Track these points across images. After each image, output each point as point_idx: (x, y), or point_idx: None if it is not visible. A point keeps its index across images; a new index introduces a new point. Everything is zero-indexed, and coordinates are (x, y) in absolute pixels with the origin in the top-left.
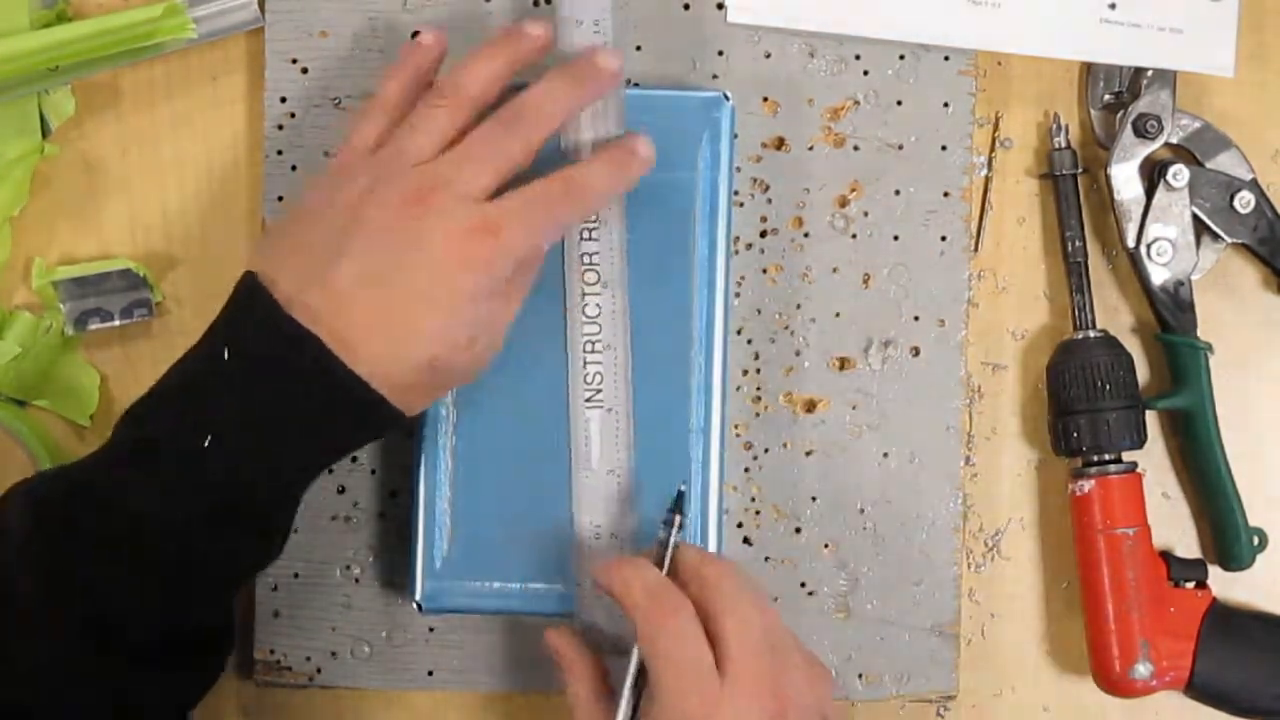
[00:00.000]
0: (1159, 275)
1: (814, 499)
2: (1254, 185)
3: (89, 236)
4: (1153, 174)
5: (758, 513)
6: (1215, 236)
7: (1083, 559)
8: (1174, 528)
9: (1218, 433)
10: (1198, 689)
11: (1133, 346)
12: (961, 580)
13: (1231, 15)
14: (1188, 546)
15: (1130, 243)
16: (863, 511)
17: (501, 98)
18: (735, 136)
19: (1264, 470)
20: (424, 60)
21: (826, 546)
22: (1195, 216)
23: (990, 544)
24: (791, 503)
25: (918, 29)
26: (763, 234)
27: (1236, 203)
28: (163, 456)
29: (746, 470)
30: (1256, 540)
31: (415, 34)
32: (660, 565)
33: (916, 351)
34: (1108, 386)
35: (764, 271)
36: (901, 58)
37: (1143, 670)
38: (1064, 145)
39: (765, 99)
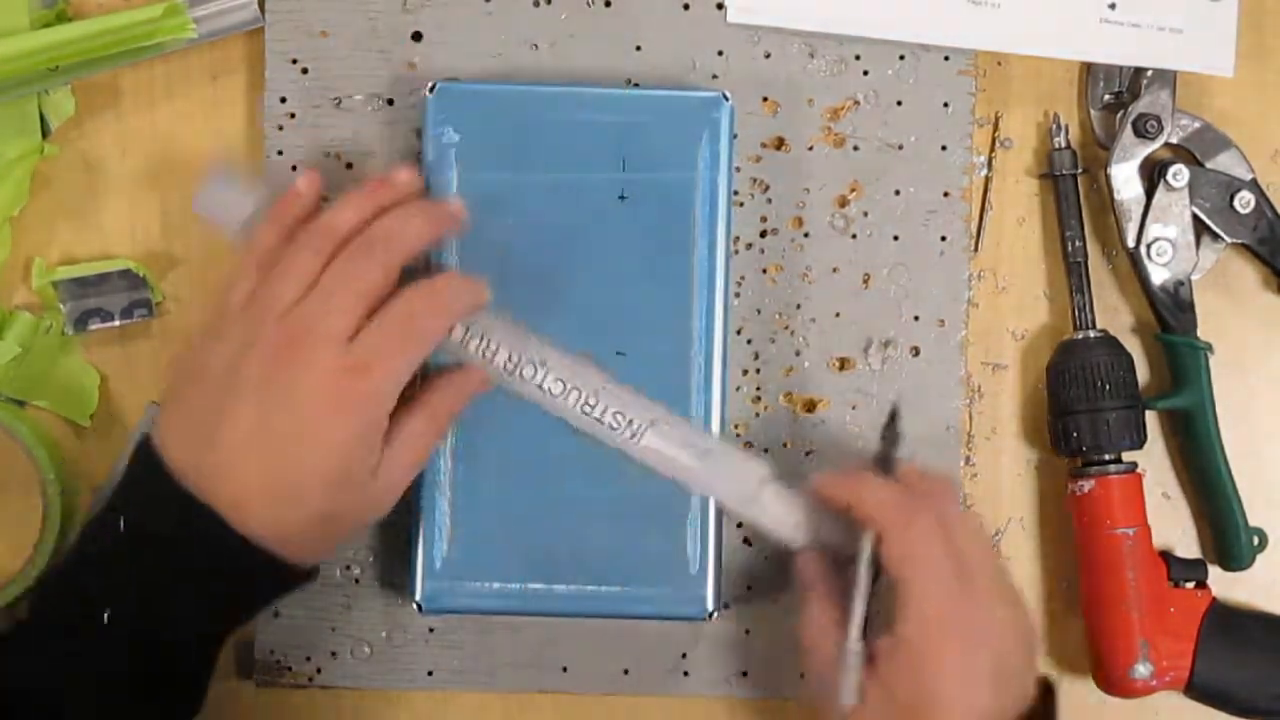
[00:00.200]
0: (1159, 275)
1: None
2: (1254, 185)
3: (89, 236)
4: (1153, 174)
5: None
6: (1215, 236)
7: (1083, 559)
8: (1174, 528)
9: (1218, 433)
10: (1198, 689)
11: (1133, 346)
12: None
13: (1231, 15)
14: (1188, 546)
15: (1130, 243)
16: None
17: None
18: (735, 136)
19: (1264, 470)
20: (299, 209)
21: None
22: (1195, 216)
23: (991, 544)
24: None
25: (918, 29)
26: (763, 234)
27: (1236, 203)
28: (63, 630)
29: None
30: (1256, 540)
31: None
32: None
33: (916, 351)
34: (1108, 386)
35: (764, 271)
36: (901, 58)
37: (1143, 670)
38: (1064, 145)
39: (765, 99)
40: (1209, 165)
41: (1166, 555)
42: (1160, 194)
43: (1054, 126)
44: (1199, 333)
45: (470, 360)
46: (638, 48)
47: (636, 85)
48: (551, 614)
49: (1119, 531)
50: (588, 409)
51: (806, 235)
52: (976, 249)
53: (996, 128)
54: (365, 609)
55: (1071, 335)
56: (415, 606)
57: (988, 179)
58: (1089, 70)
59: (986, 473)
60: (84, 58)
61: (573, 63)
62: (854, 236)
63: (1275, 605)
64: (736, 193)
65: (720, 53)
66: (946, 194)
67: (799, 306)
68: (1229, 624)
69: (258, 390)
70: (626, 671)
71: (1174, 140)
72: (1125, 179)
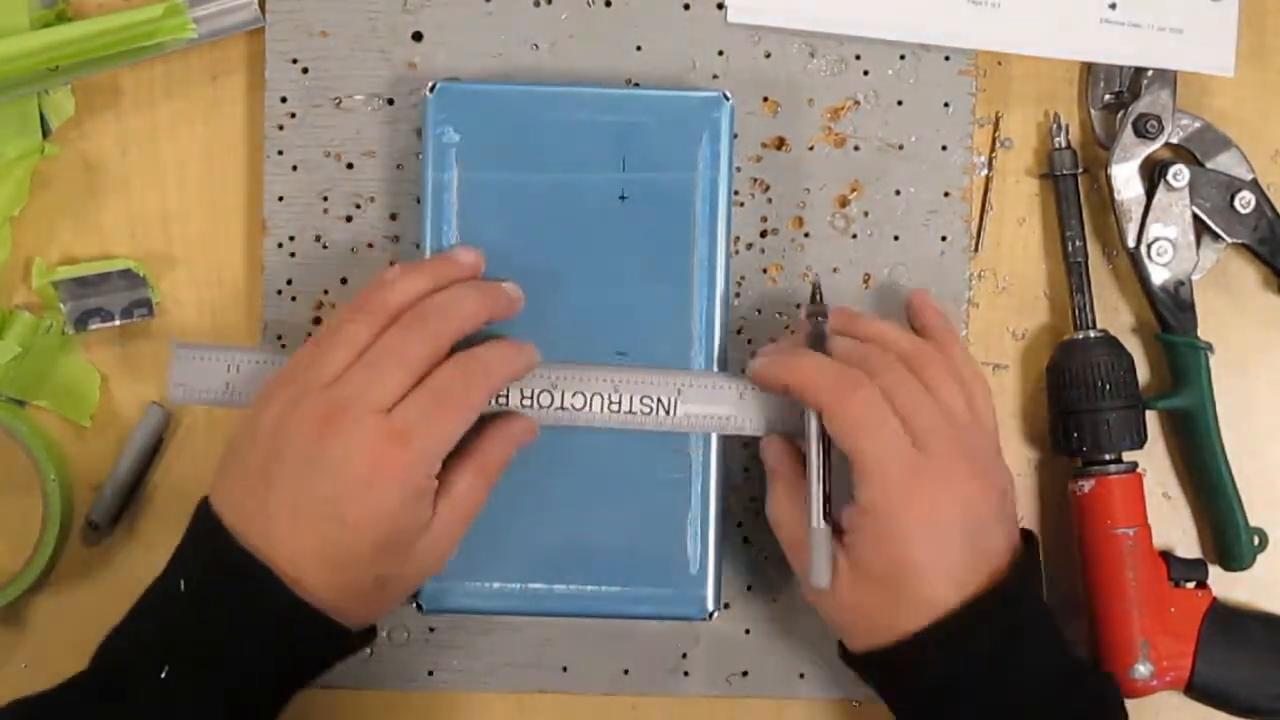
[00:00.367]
0: (1159, 275)
1: None
2: (1254, 185)
3: (89, 236)
4: (1153, 174)
5: (758, 513)
6: (1215, 236)
7: (1083, 559)
8: (1174, 528)
9: (1218, 433)
10: (1198, 689)
11: (1133, 346)
12: None
13: (1231, 15)
14: (1188, 546)
15: (1130, 243)
16: None
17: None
18: (735, 136)
19: (1264, 470)
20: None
21: None
22: (1195, 216)
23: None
24: None
25: (918, 29)
26: (763, 234)
27: (1237, 203)
28: (123, 687)
29: (746, 470)
30: (1256, 540)
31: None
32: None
33: None
34: (1108, 386)
35: (764, 271)
36: (902, 58)
37: (1143, 670)
38: (1064, 145)
39: (765, 99)
40: (1209, 165)
41: (1166, 555)
42: (1160, 194)
43: (1054, 126)
44: (1199, 333)
45: (487, 410)
46: (638, 48)
47: (636, 85)
48: (551, 614)
49: (1119, 531)
50: (614, 408)
51: (807, 235)
52: (976, 249)
53: (997, 128)
54: None
55: (1071, 335)
56: (415, 606)
57: (988, 179)
58: (1089, 70)
59: None
60: (84, 58)
61: (573, 63)
62: (854, 236)
63: (1275, 605)
64: (736, 193)
65: (720, 53)
66: (947, 194)
67: (799, 306)
68: (1229, 624)
69: (303, 457)
70: (626, 671)
71: (1174, 140)
72: (1125, 179)
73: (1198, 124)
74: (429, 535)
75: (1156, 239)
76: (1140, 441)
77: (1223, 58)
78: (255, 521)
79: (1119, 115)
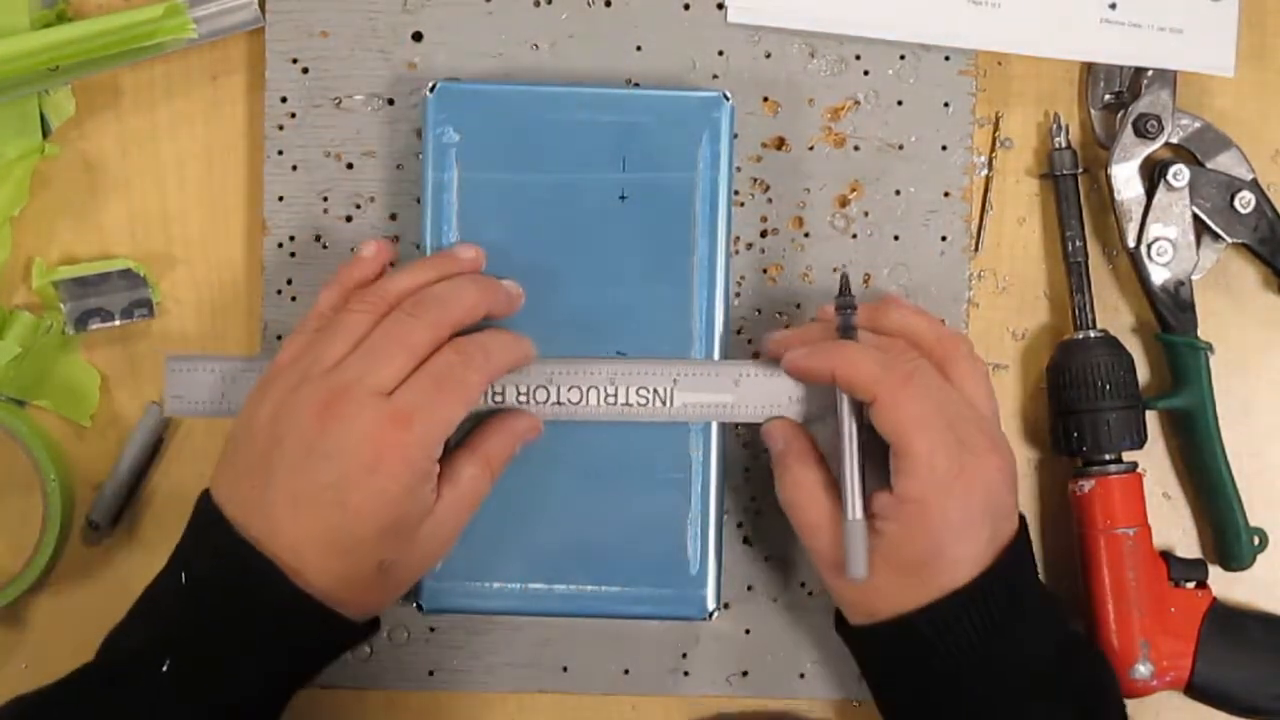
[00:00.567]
0: (1159, 275)
1: None
2: (1254, 185)
3: (89, 236)
4: (1153, 174)
5: (758, 513)
6: (1215, 236)
7: (1083, 559)
8: (1174, 528)
9: (1218, 433)
10: (1198, 689)
11: (1133, 346)
12: None
13: (1231, 15)
14: (1188, 546)
15: (1130, 243)
16: None
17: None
18: (735, 136)
19: (1264, 470)
20: (360, 274)
21: None
22: (1195, 216)
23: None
24: None
25: (918, 29)
26: (763, 234)
27: (1237, 203)
28: (126, 680)
29: (747, 470)
30: (1256, 540)
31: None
32: None
33: None
34: (1108, 386)
35: (764, 271)
36: (902, 58)
37: (1143, 670)
38: (1064, 145)
39: (765, 99)
40: (1209, 165)
41: (1166, 555)
42: (1160, 194)
43: (1054, 126)
44: (1199, 333)
45: (482, 408)
46: (638, 48)
47: (636, 85)
48: (551, 614)
49: (1119, 531)
50: (611, 401)
51: (807, 235)
52: (976, 249)
53: (997, 128)
54: None
55: (1071, 335)
56: (415, 606)
57: (988, 179)
58: (1089, 70)
59: None
60: (84, 58)
61: (573, 63)
62: (854, 236)
63: (1275, 605)
64: (737, 193)
65: (720, 53)
66: (947, 194)
67: (799, 306)
68: (1229, 624)
69: (303, 444)
70: (626, 671)
71: (1174, 140)
72: (1125, 179)
73: (1198, 124)
74: (432, 520)
75: (1156, 239)
76: (1140, 441)
77: (1223, 58)
78: (256, 512)
79: (1119, 115)
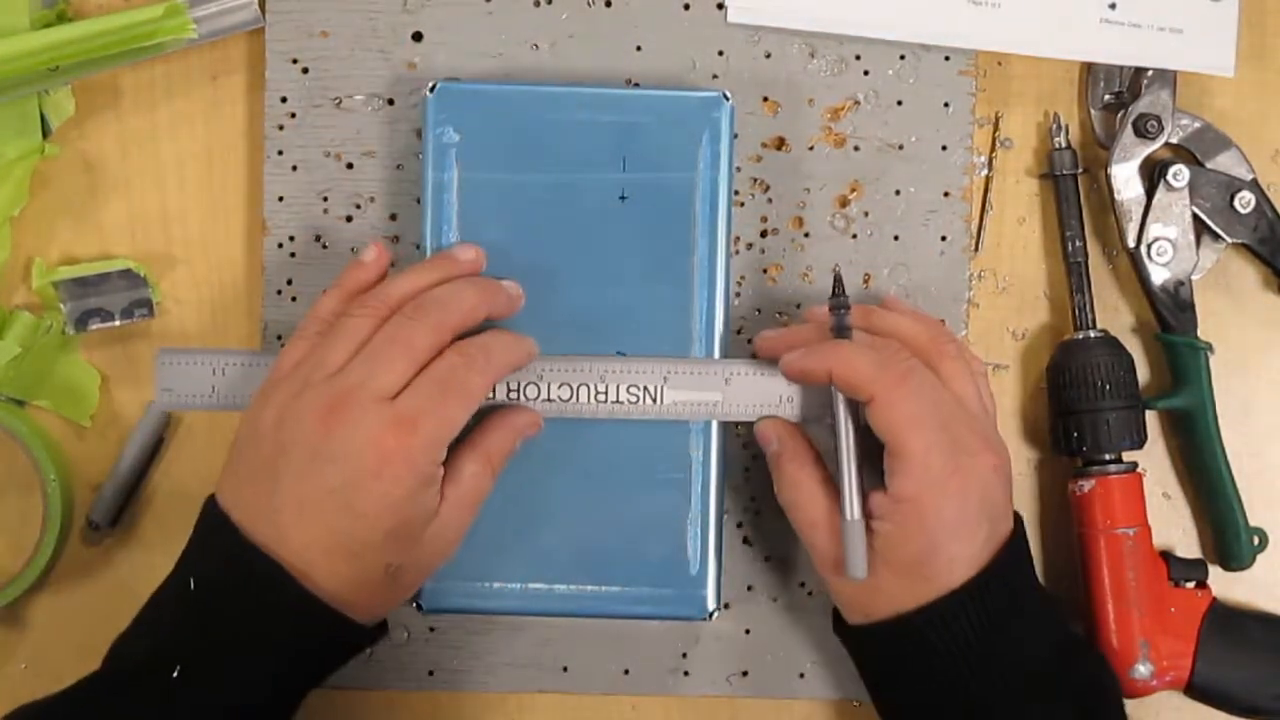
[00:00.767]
0: (1159, 275)
1: None
2: (1254, 185)
3: (89, 236)
4: (1153, 174)
5: (758, 513)
6: (1215, 236)
7: (1083, 559)
8: (1174, 528)
9: (1218, 433)
10: (1198, 689)
11: (1133, 346)
12: None
13: (1231, 15)
14: (1188, 546)
15: (1130, 243)
16: None
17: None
18: (735, 136)
19: (1264, 470)
20: (363, 278)
21: None
22: (1195, 216)
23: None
24: None
25: (918, 29)
26: (763, 234)
27: (1236, 202)
28: (134, 687)
29: (746, 470)
30: (1256, 540)
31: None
32: None
33: None
34: (1108, 386)
35: (764, 271)
36: (902, 58)
37: (1143, 670)
38: (1064, 145)
39: (765, 99)
40: (1209, 165)
41: (1166, 555)
42: (1160, 194)
43: (1054, 126)
44: (1199, 333)
45: (487, 404)
46: (638, 48)
47: (636, 85)
48: (551, 614)
49: (1119, 531)
50: (601, 398)
51: (806, 235)
52: (976, 249)
53: (996, 128)
54: None
55: (1071, 335)
56: (415, 606)
57: (988, 179)
58: (1089, 70)
59: None
60: (84, 58)
61: (573, 63)
62: (854, 236)
63: (1275, 605)
64: (737, 193)
65: (720, 53)
66: (946, 194)
67: (799, 306)
68: (1229, 624)
69: (305, 454)
70: (626, 671)
71: (1174, 140)
72: (1125, 179)
73: (1198, 124)
74: (437, 523)
75: (1156, 239)
76: (1140, 441)
77: (1223, 58)
78: (263, 517)
79: (1119, 115)
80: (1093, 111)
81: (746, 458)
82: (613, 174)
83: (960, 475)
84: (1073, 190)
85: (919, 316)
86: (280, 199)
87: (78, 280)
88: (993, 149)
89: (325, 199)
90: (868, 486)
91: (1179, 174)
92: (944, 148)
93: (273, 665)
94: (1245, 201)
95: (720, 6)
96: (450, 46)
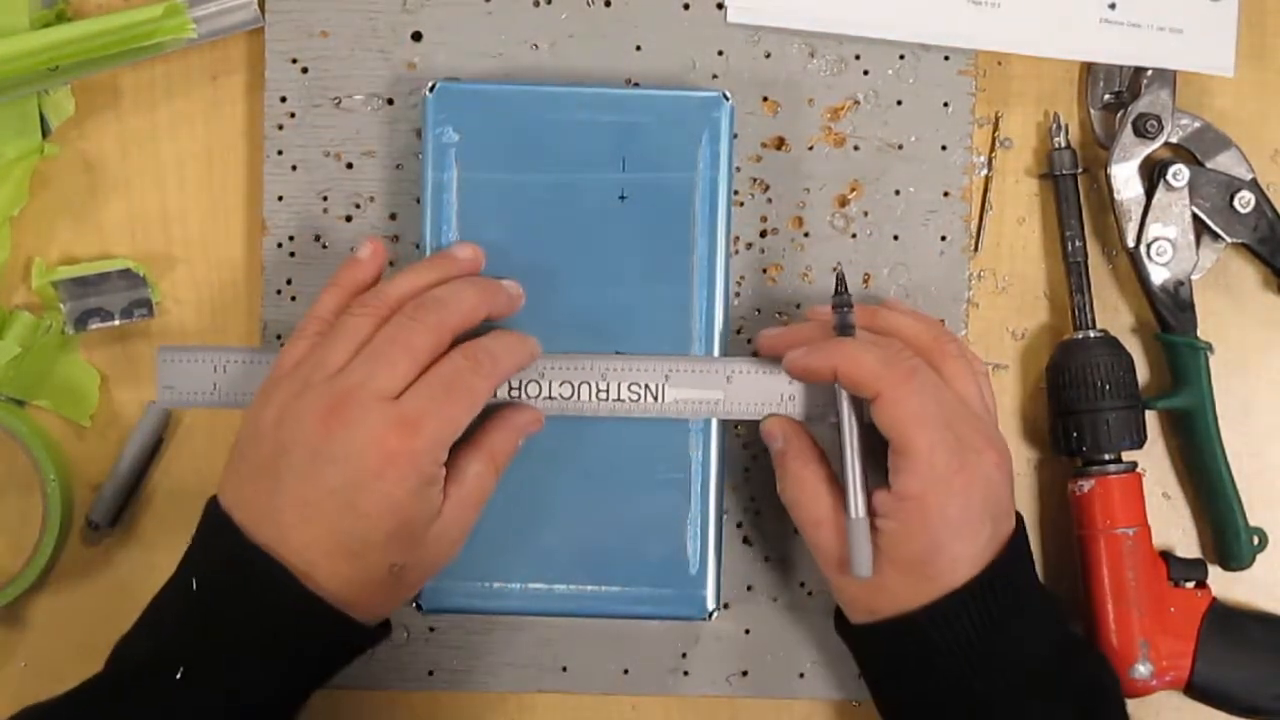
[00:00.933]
0: (1159, 275)
1: None
2: (1254, 185)
3: (89, 236)
4: (1153, 174)
5: (758, 513)
6: (1215, 236)
7: (1083, 559)
8: (1174, 528)
9: (1218, 433)
10: (1198, 689)
11: (1133, 346)
12: None
13: (1231, 15)
14: (1188, 546)
15: (1130, 243)
16: None
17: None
18: (735, 136)
19: (1264, 470)
20: (360, 276)
21: None
22: (1195, 216)
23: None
24: None
25: (918, 29)
26: (763, 234)
27: (1236, 202)
28: (137, 689)
29: (746, 470)
30: (1256, 540)
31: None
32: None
33: None
34: (1108, 386)
35: (764, 271)
36: (901, 58)
37: (1143, 670)
38: (1064, 145)
39: (765, 99)
40: (1209, 165)
41: (1166, 555)
42: (1160, 194)
43: (1054, 126)
44: (1199, 333)
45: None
46: (638, 48)
47: (636, 85)
48: (551, 614)
49: (1119, 531)
50: (602, 396)
51: (806, 235)
52: (976, 249)
53: (996, 128)
54: None
55: (1071, 335)
56: (415, 606)
57: (988, 179)
58: (1089, 70)
59: None
60: (84, 58)
61: (573, 63)
62: (854, 236)
63: (1275, 605)
64: (736, 193)
65: (720, 53)
66: (946, 194)
67: (799, 306)
68: (1229, 624)
69: (309, 450)
70: (626, 671)
71: (1174, 140)
72: (1125, 179)
73: (1197, 124)
74: (441, 523)
75: (1156, 239)
76: (1140, 441)
77: (1223, 58)
78: (265, 517)
79: (1119, 115)
80: (1093, 111)
81: (746, 458)
82: (612, 174)
83: (965, 473)
84: (1072, 190)
85: (920, 316)
86: (280, 199)
87: (77, 280)
88: (992, 149)
89: (325, 199)
90: (872, 484)
91: (1179, 174)
92: (944, 148)
93: (275, 666)
94: (1245, 201)
95: (720, 6)
96: (450, 46)
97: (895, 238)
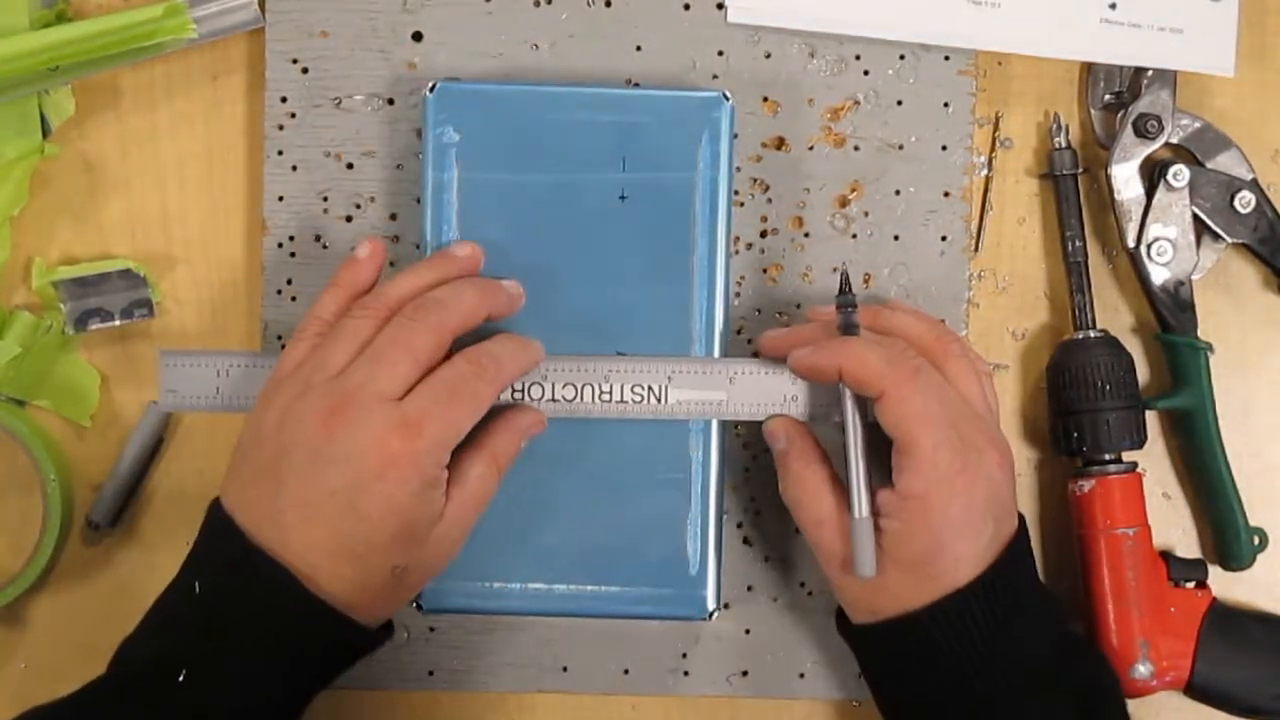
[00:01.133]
0: (1159, 275)
1: None
2: (1254, 185)
3: (89, 236)
4: (1153, 174)
5: (758, 513)
6: (1215, 236)
7: (1083, 559)
8: (1174, 528)
9: (1218, 433)
10: (1198, 689)
11: (1133, 346)
12: None
13: (1231, 15)
14: (1188, 546)
15: (1130, 243)
16: None
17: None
18: (735, 136)
19: (1264, 470)
20: (359, 276)
21: None
22: (1195, 216)
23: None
24: None
25: (918, 29)
26: (763, 234)
27: (1237, 202)
28: (140, 691)
29: (746, 470)
30: (1256, 540)
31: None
32: None
33: None
34: (1108, 386)
35: (764, 271)
36: (901, 58)
37: (1143, 670)
38: (1064, 145)
39: (765, 99)
40: (1209, 165)
41: (1166, 555)
42: (1160, 194)
43: (1054, 126)
44: (1199, 333)
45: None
46: (638, 48)
47: (636, 85)
48: (551, 614)
49: (1119, 531)
50: (605, 398)
51: (806, 235)
52: (976, 249)
53: (997, 128)
54: None
55: (1071, 335)
56: (415, 606)
57: (988, 179)
58: (1089, 70)
59: None
60: (84, 58)
61: (573, 63)
62: (854, 236)
63: (1275, 605)
64: (736, 193)
65: (720, 53)
66: (946, 194)
67: (799, 306)
68: (1229, 624)
69: (311, 451)
70: (626, 671)
71: (1174, 140)
72: (1125, 179)
73: (1198, 124)
74: (443, 524)
75: (1156, 239)
76: (1140, 441)
77: (1223, 58)
78: (267, 519)
79: (1119, 115)
80: (1093, 111)
81: (746, 458)
82: (613, 174)
83: (968, 473)
84: (1073, 190)
85: (923, 316)
86: (280, 199)
87: (78, 280)
88: (993, 149)
89: (325, 199)
90: (875, 484)
91: (1179, 174)
92: (944, 148)
93: (278, 668)
94: (1245, 201)
95: (720, 6)
96: (450, 46)
97: (895, 238)
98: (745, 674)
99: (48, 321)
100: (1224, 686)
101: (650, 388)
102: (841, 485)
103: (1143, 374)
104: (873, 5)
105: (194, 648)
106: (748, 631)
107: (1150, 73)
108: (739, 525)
